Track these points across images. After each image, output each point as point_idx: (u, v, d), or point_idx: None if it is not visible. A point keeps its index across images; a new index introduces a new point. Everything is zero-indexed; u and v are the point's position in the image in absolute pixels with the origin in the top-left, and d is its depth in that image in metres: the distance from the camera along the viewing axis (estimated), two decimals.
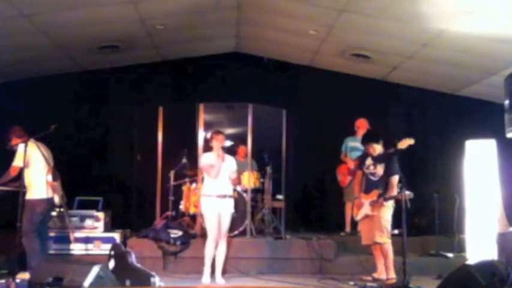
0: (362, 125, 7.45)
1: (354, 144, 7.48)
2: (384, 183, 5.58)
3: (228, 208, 5.75)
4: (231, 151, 7.78)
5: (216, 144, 5.75)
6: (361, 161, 5.95)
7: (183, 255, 6.23)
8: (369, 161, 5.75)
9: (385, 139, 5.72)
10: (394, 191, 5.45)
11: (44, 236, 5.72)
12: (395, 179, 5.44)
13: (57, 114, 7.59)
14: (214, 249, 5.72)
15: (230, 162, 5.86)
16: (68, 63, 7.85)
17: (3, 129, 5.79)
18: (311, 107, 8.29)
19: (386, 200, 5.48)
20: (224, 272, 5.88)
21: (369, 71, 8.31)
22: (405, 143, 5.26)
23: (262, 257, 6.35)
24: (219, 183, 5.71)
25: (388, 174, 5.53)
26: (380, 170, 5.61)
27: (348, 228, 7.52)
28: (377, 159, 5.67)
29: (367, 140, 5.84)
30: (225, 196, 5.72)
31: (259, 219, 7.20)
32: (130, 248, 5.67)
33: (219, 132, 5.85)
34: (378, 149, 5.67)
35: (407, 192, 5.02)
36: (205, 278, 5.64)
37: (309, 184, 8.72)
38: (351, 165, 7.36)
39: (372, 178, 5.68)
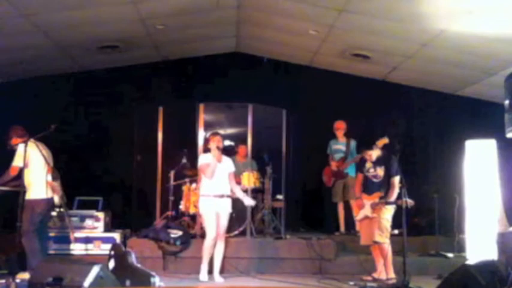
0: (340, 127, 7.69)
1: (336, 147, 7.74)
2: (386, 184, 5.65)
3: (226, 208, 5.81)
4: (230, 151, 7.82)
5: (212, 145, 5.82)
6: (360, 163, 6.02)
7: (183, 255, 6.23)
8: (368, 164, 5.82)
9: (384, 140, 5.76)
10: (396, 192, 5.49)
11: (44, 236, 5.72)
12: (397, 180, 5.49)
13: (57, 114, 7.62)
14: (213, 248, 5.75)
15: (227, 163, 5.94)
16: (68, 63, 7.84)
17: (3, 129, 5.79)
18: (311, 107, 8.29)
19: (387, 204, 5.53)
20: (224, 272, 5.89)
21: (369, 71, 8.31)
22: (381, 142, 5.57)
23: (262, 257, 6.34)
24: (216, 183, 5.78)
25: (389, 175, 5.60)
26: (380, 172, 5.70)
27: (342, 228, 7.56)
28: (375, 162, 5.75)
29: (361, 148, 6.01)
30: (222, 196, 5.78)
31: (259, 219, 7.19)
32: (130, 248, 5.66)
33: (215, 134, 5.98)
34: (374, 153, 5.75)
35: (408, 201, 5.14)
36: (203, 275, 5.69)
37: (309, 184, 8.70)
38: (334, 167, 7.61)
39: (374, 180, 5.75)
